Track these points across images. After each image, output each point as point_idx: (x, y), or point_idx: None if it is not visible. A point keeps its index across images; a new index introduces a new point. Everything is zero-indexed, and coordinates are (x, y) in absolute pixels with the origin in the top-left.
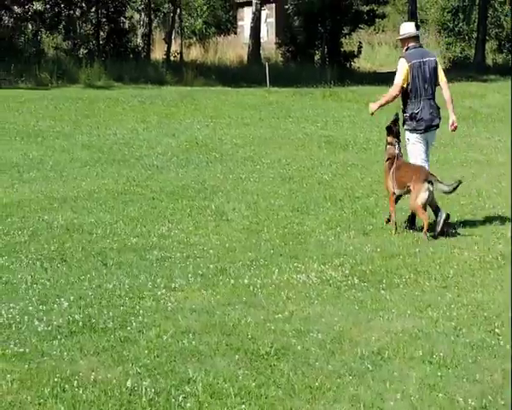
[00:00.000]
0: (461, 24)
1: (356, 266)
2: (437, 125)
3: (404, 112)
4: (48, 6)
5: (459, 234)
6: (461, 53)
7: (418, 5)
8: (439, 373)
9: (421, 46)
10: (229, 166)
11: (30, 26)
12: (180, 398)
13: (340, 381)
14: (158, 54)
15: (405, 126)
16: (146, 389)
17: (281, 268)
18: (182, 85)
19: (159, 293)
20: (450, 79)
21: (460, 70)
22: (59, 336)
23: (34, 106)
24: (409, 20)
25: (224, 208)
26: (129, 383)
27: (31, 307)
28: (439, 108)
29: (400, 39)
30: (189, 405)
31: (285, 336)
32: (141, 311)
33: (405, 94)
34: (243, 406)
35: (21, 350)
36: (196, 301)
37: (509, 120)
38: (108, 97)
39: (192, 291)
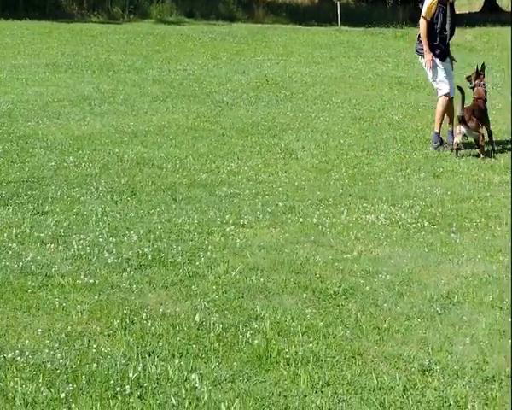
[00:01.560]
0: None
1: (426, 209)
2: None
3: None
4: None
5: None
6: None
7: None
8: (510, 319)
9: None
10: (298, 104)
11: None
12: (248, 334)
13: (408, 323)
14: None
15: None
16: (214, 324)
17: (350, 208)
18: (252, 23)
19: (227, 229)
20: None
21: None
22: (128, 269)
23: (106, 40)
24: None
25: (294, 147)
26: (197, 318)
27: (101, 239)
28: None
29: None
30: (256, 341)
31: (353, 276)
32: (209, 246)
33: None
34: (310, 344)
35: (91, 281)
36: (265, 239)
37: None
38: (179, 33)
39: (260, 228)
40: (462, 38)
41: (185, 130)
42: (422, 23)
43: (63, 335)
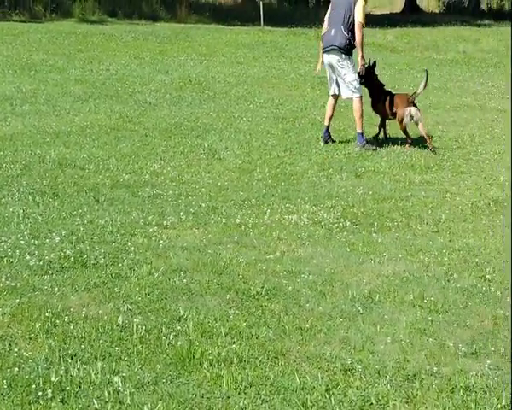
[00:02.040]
0: None
1: (348, 209)
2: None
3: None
4: None
5: (452, 179)
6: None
7: None
8: (430, 318)
9: None
10: (222, 104)
11: None
12: (171, 336)
13: (330, 323)
14: None
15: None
16: (137, 326)
17: (273, 208)
18: (175, 22)
19: (150, 230)
20: (444, 23)
21: (454, 14)
22: (50, 271)
23: (28, 39)
24: None
25: (217, 147)
26: (120, 320)
27: (22, 241)
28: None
29: None
30: (179, 343)
31: (276, 276)
32: (132, 248)
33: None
34: (234, 345)
35: (13, 284)
36: (188, 240)
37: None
38: (102, 32)
39: (184, 229)
40: (383, 38)
41: (108, 130)
42: (361, 29)
43: None
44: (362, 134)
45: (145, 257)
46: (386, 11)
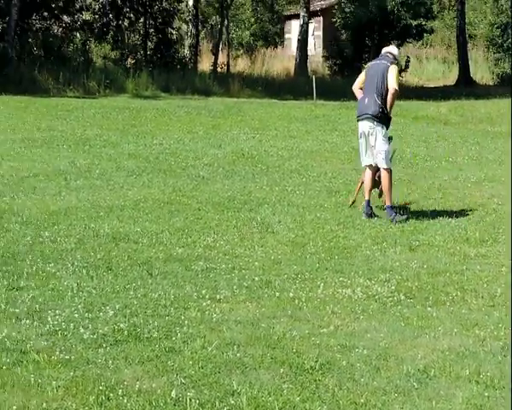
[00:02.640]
0: (510, 40)
1: (402, 282)
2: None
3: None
4: (97, 16)
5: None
6: (510, 69)
7: (467, 20)
8: (486, 394)
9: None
10: (275, 178)
11: (79, 36)
12: None
13: (385, 398)
14: (205, 65)
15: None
16: (190, 400)
17: (326, 282)
18: (228, 97)
19: (204, 304)
20: (498, 95)
21: (508, 86)
22: (104, 345)
23: (82, 114)
24: (457, 35)
25: (270, 221)
26: (173, 394)
27: (76, 315)
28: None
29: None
30: None
31: (330, 350)
32: (186, 321)
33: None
34: None
35: (67, 357)
36: (241, 313)
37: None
38: (155, 107)
39: (237, 303)
40: (436, 111)
41: (161, 204)
42: (394, 95)
43: None
44: (391, 207)
45: (198, 331)
46: (440, 84)
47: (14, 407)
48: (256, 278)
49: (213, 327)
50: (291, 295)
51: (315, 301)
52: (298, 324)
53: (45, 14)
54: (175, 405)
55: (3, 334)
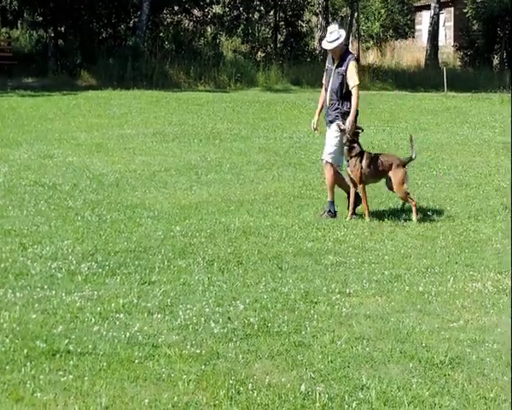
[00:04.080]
0: None
1: None
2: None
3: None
4: (227, 9)
5: None
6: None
7: None
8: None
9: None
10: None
11: (209, 29)
12: (354, 404)
13: None
14: None
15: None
16: (319, 394)
17: (456, 276)
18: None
19: (333, 298)
20: None
21: None
22: (234, 339)
23: (212, 108)
24: None
25: (399, 214)
26: (303, 388)
27: (207, 309)
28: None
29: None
30: None
31: (460, 345)
32: (315, 316)
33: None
34: None
35: (198, 351)
36: (371, 307)
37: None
38: (285, 101)
39: (366, 297)
40: None
41: (291, 198)
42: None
43: (170, 405)
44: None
45: (328, 325)
46: None
47: (146, 401)
48: (386, 272)
49: (343, 321)
50: (420, 289)
51: (445, 295)
52: (427, 318)
53: (176, 8)
54: (304, 399)
55: (136, 328)
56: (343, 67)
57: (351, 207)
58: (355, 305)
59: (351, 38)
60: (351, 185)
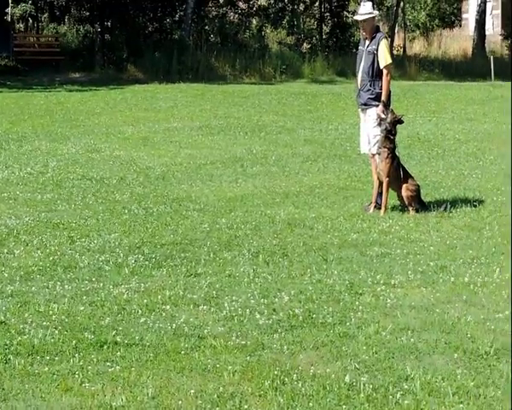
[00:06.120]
0: None
1: None
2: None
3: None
4: (272, 1)
5: None
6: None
7: None
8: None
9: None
10: (451, 162)
11: (254, 22)
12: (398, 395)
13: None
14: None
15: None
16: (364, 384)
17: (502, 267)
18: (405, 80)
19: (378, 289)
20: None
21: None
22: (279, 330)
23: (258, 101)
24: None
25: (445, 205)
26: (347, 379)
27: (252, 301)
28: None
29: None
30: (406, 402)
31: (505, 336)
32: (360, 307)
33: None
34: (461, 405)
35: (243, 342)
36: (415, 298)
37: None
38: (331, 92)
39: (411, 288)
40: None
41: (336, 190)
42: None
43: (215, 396)
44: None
45: (373, 316)
46: None
47: (192, 391)
48: (431, 263)
49: (387, 312)
50: (466, 279)
51: (490, 286)
52: (473, 309)
53: (221, 0)
54: (349, 389)
55: (182, 320)
56: (374, 46)
57: (374, 199)
58: (400, 296)
59: (396, 28)
60: (374, 176)
